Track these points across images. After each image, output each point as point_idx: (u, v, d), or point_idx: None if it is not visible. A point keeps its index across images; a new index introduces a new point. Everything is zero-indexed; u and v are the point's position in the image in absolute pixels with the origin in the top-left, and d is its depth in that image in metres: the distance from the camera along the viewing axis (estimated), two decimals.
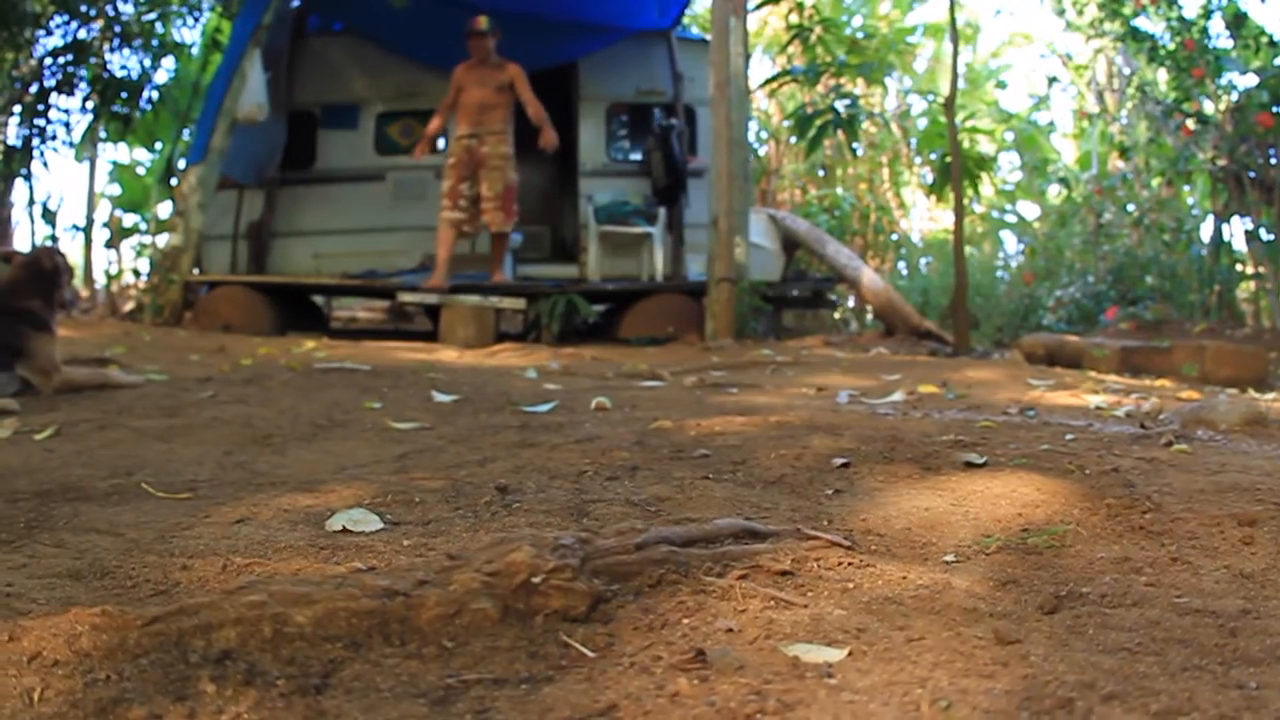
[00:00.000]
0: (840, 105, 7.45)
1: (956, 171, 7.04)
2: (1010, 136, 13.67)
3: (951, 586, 1.13)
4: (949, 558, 1.30)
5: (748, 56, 7.25)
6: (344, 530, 1.42)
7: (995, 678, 0.90)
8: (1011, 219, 13.98)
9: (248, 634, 0.95)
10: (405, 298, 7.46)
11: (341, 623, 0.95)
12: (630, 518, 1.37)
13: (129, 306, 8.87)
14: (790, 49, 9.51)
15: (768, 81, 9.42)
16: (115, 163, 13.70)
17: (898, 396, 3.34)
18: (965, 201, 7.75)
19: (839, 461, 1.79)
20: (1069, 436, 2.36)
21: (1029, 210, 14.15)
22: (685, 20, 9.88)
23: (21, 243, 11.10)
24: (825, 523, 1.31)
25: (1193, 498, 1.69)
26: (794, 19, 7.76)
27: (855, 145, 8.11)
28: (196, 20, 9.75)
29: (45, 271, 3.36)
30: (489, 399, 3.08)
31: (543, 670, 0.89)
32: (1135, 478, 1.84)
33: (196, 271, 7.74)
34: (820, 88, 8.36)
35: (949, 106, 7.07)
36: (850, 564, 1.20)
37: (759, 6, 7.93)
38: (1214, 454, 2.20)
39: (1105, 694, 0.86)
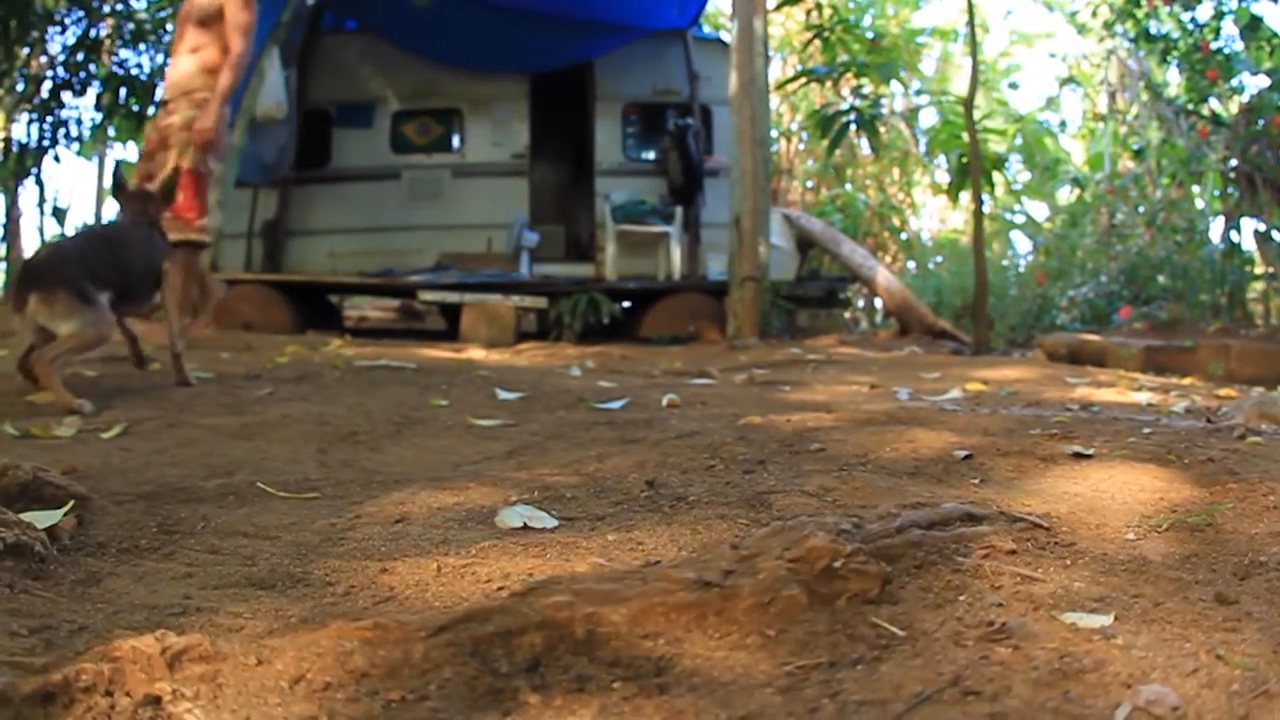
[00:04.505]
0: (860, 105, 7.48)
1: (975, 171, 7.07)
2: (1018, 139, 13.74)
3: (1149, 560, 1.21)
4: (1130, 536, 1.35)
5: (767, 57, 7.28)
6: (524, 527, 1.38)
7: (1239, 630, 0.99)
8: (1020, 219, 14.06)
9: (556, 638, 0.89)
10: (426, 296, 7.47)
11: (658, 618, 0.91)
12: (810, 507, 1.38)
13: None
14: (805, 49, 9.53)
15: (787, 81, 9.44)
16: (123, 161, 13.61)
17: (956, 393, 3.36)
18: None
19: (961, 454, 1.80)
20: (1146, 430, 2.38)
21: (1038, 210, 14.25)
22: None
23: (29, 241, 11.02)
24: (995, 509, 1.34)
25: None
26: (813, 19, 7.79)
27: (874, 146, 8.14)
28: None
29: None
30: (553, 396, 3.07)
31: (866, 651, 0.90)
32: (1234, 465, 1.88)
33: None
34: (831, 87, 8.40)
35: (968, 106, 7.10)
36: (1056, 542, 1.25)
37: (779, 7, 7.96)
38: None
39: None
